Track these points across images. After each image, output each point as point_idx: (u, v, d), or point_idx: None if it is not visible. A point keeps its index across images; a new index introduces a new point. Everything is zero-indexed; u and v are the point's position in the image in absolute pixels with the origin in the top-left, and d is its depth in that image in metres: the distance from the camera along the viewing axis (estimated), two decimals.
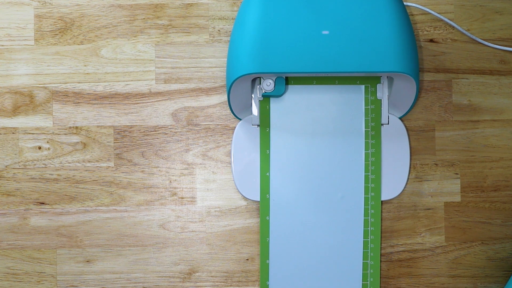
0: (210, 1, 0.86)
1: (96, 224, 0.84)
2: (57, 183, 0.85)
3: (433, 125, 0.86)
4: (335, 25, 0.73)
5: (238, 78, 0.74)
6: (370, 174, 0.82)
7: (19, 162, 0.85)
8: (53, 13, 0.86)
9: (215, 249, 0.85)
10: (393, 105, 0.83)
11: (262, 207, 0.82)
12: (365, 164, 0.82)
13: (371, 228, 0.82)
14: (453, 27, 0.86)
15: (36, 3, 0.86)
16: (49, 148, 0.85)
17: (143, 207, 0.85)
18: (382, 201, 0.84)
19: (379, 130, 0.83)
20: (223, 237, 0.85)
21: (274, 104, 0.83)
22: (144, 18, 0.86)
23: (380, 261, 0.84)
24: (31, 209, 0.85)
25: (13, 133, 0.85)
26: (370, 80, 0.82)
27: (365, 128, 0.83)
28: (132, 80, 0.85)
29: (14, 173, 0.85)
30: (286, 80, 0.82)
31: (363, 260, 0.82)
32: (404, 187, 0.83)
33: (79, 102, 0.85)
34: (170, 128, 0.85)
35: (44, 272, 0.84)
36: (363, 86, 0.83)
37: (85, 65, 0.85)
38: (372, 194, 0.82)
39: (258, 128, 0.83)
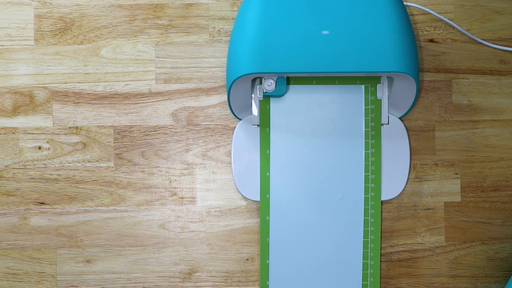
0: (210, 1, 0.86)
1: (96, 224, 0.84)
2: (57, 183, 0.85)
3: (433, 125, 0.86)
4: (335, 25, 0.73)
5: (238, 78, 0.74)
6: (370, 174, 0.82)
7: (19, 162, 0.85)
8: (53, 13, 0.86)
9: (215, 249, 0.85)
10: (393, 105, 0.83)
11: (262, 207, 0.82)
12: (365, 164, 0.82)
13: (371, 228, 0.82)
14: (453, 27, 0.86)
15: (36, 3, 0.86)
16: (49, 148, 0.85)
17: (143, 207, 0.85)
18: (382, 201, 0.84)
19: (379, 130, 0.83)
20: (223, 237, 0.85)
21: (274, 104, 0.83)
22: (144, 18, 0.86)
23: (380, 261, 0.84)
24: (31, 209, 0.85)
25: (13, 133, 0.85)
26: (370, 80, 0.82)
27: (365, 128, 0.83)
28: (132, 80, 0.85)
29: (14, 173, 0.85)
30: (286, 80, 0.82)
31: (363, 260, 0.82)
32: (404, 187, 0.83)
33: (79, 102, 0.85)
34: (170, 128, 0.85)
35: (44, 272, 0.85)
36: (363, 86, 0.83)
37: (85, 65, 0.85)
38: (372, 194, 0.82)
39: (258, 128, 0.83)
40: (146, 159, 0.85)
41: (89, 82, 0.85)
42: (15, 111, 0.85)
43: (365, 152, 0.83)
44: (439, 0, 0.86)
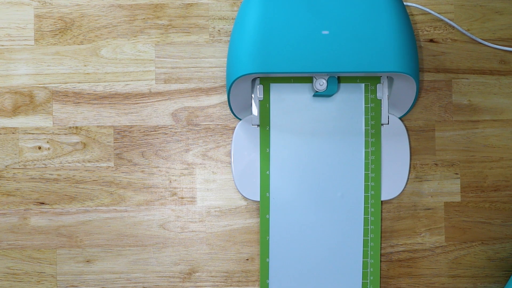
0: (210, 1, 0.86)
1: (96, 224, 0.84)
2: (57, 183, 0.85)
3: (433, 125, 0.86)
4: (335, 25, 0.73)
5: (238, 78, 0.74)
6: (370, 173, 0.82)
7: (19, 162, 0.85)
8: (53, 13, 0.86)
9: (215, 249, 0.85)
10: (393, 105, 0.83)
11: (262, 206, 0.82)
12: (365, 163, 0.82)
13: (371, 227, 0.82)
14: (453, 27, 0.86)
15: (36, 3, 0.86)
16: (49, 148, 0.85)
17: (143, 207, 0.85)
18: (382, 201, 0.84)
19: (379, 129, 0.83)
20: (223, 237, 0.85)
21: (274, 104, 0.83)
22: (144, 18, 0.86)
23: (380, 260, 0.84)
24: (31, 209, 0.85)
25: (13, 133, 0.85)
26: (370, 80, 0.82)
27: (365, 127, 0.83)
28: (132, 80, 0.85)
29: (14, 173, 0.85)
30: (285, 79, 0.82)
31: (363, 258, 0.82)
32: (404, 187, 0.83)
33: (79, 102, 0.85)
34: (170, 128, 0.85)
35: (44, 272, 0.84)
36: (363, 85, 0.83)
37: (85, 65, 0.85)
38: (372, 192, 0.82)
39: (258, 128, 0.83)
40: (146, 159, 0.85)
41: (89, 82, 0.85)
42: (15, 111, 0.85)
43: (365, 151, 0.83)
44: (439, 0, 0.86)
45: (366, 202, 0.82)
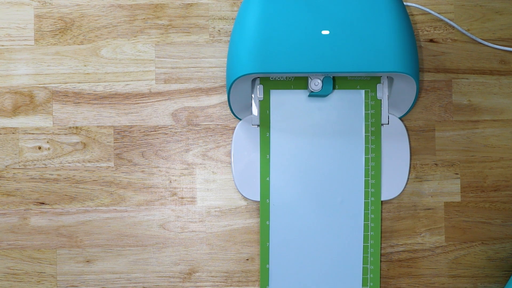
0: (210, 1, 0.86)
1: (96, 224, 0.84)
2: (57, 183, 0.85)
3: (433, 125, 0.86)
4: (335, 25, 0.73)
5: (238, 78, 0.74)
6: (370, 173, 0.82)
7: (19, 162, 0.85)
8: (53, 13, 0.86)
9: (215, 249, 0.85)
10: (393, 105, 0.83)
11: (262, 212, 0.82)
12: (365, 163, 0.82)
13: (371, 233, 0.82)
14: (453, 27, 0.86)
15: (36, 3, 0.86)
16: (49, 148, 0.85)
17: (143, 207, 0.85)
18: (382, 201, 0.84)
19: (379, 129, 0.83)
20: (223, 237, 0.85)
21: (274, 105, 0.83)
22: (144, 18, 0.86)
23: (380, 265, 0.84)
24: (31, 209, 0.85)
25: (13, 133, 0.85)
26: (369, 83, 0.82)
27: (365, 127, 0.83)
28: (132, 80, 0.85)
29: (14, 173, 0.85)
30: (284, 85, 0.82)
31: (363, 264, 0.82)
32: (404, 187, 0.83)
33: (79, 102, 0.85)
34: (170, 128, 0.85)
35: (44, 272, 0.85)
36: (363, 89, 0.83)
37: (85, 65, 0.85)
38: (372, 199, 0.82)
39: (258, 128, 0.83)
40: (146, 159, 0.85)
41: (89, 82, 0.85)
42: (15, 111, 0.85)
43: (365, 152, 0.83)
44: (439, 0, 0.86)
45: (366, 207, 0.82)
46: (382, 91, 0.82)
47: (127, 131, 0.85)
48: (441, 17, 0.85)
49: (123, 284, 0.85)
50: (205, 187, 0.85)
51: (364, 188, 0.82)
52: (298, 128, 0.83)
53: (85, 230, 0.85)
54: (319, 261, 0.82)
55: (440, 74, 0.86)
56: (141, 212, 0.85)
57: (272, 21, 0.73)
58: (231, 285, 0.85)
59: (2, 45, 0.85)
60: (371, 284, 0.82)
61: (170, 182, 0.85)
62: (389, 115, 0.83)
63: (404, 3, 0.84)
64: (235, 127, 0.84)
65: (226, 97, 0.85)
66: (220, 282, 0.85)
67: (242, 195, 0.83)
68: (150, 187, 0.85)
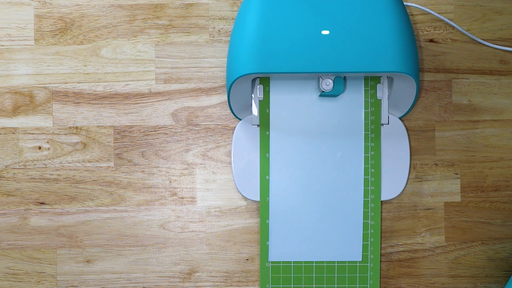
0: (210, 1, 0.86)
1: (96, 224, 0.84)
2: (57, 183, 0.85)
3: (433, 125, 0.86)
4: (335, 25, 0.73)
5: (238, 78, 0.74)
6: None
7: (19, 162, 0.85)
8: (53, 13, 0.86)
9: (215, 249, 0.85)
10: (393, 105, 0.83)
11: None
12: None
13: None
14: (453, 27, 0.86)
15: (36, 3, 0.86)
16: (49, 148, 0.85)
17: (143, 207, 0.85)
18: (382, 201, 0.84)
19: (379, 129, 0.83)
20: (223, 237, 0.85)
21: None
22: (144, 18, 0.86)
23: (380, 260, 0.84)
24: (31, 209, 0.85)
25: (13, 133, 0.85)
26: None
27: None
28: (132, 80, 0.85)
29: (14, 173, 0.85)
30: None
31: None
32: (404, 187, 0.83)
33: (79, 102, 0.85)
34: (170, 128, 0.85)
35: (44, 272, 0.85)
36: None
37: (85, 65, 0.85)
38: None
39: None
40: (146, 159, 0.85)
41: (89, 82, 0.85)
42: (15, 111, 0.85)
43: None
44: (439, 0, 0.86)
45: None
46: (382, 91, 0.82)
47: (127, 131, 0.85)
48: (441, 17, 0.85)
49: (123, 284, 0.85)
50: (205, 187, 0.85)
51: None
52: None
53: (85, 230, 0.85)
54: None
55: (440, 74, 0.86)
56: (141, 212, 0.85)
57: (272, 21, 0.73)
58: (231, 285, 0.85)
59: (2, 45, 0.85)
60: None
61: (170, 182, 0.85)
62: (389, 115, 0.83)
63: (404, 3, 0.84)
64: (235, 127, 0.84)
65: (226, 97, 0.85)
66: (220, 282, 0.85)
67: (242, 195, 0.83)
68: (150, 187, 0.85)
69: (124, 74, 0.85)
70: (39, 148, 0.85)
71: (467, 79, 0.86)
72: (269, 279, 0.82)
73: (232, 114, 0.83)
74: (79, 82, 0.85)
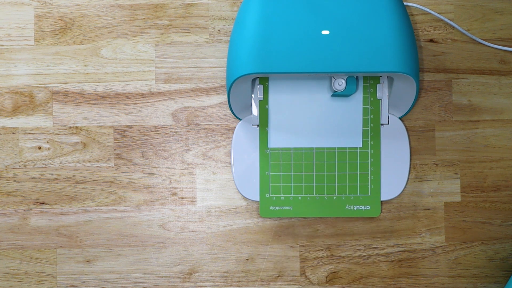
0: (210, 1, 0.86)
1: (96, 224, 0.84)
2: (57, 183, 0.85)
3: (433, 125, 0.86)
4: (335, 25, 0.73)
5: (238, 78, 0.74)
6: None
7: (19, 162, 0.85)
8: (53, 13, 0.86)
9: (215, 249, 0.85)
10: (393, 105, 0.83)
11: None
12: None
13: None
14: (453, 27, 0.86)
15: (36, 3, 0.86)
16: (49, 148, 0.85)
17: (143, 207, 0.85)
18: (382, 201, 0.84)
19: (379, 129, 0.83)
20: (223, 237, 0.85)
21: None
22: (144, 18, 0.86)
23: (381, 166, 0.84)
24: (31, 209, 0.85)
25: (13, 133, 0.85)
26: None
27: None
28: (132, 80, 0.85)
29: (14, 173, 0.85)
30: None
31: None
32: (404, 187, 0.83)
33: (79, 102, 0.85)
34: (170, 128, 0.85)
35: (44, 272, 0.85)
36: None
37: (85, 65, 0.85)
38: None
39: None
40: (146, 159, 0.85)
41: (89, 82, 0.85)
42: (15, 111, 0.85)
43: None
44: (439, 0, 0.86)
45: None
46: (382, 91, 0.82)
47: (127, 131, 0.85)
48: (441, 17, 0.85)
49: (123, 284, 0.85)
50: (205, 187, 0.85)
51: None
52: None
53: (85, 230, 0.85)
54: None
55: (440, 74, 0.86)
56: (141, 212, 0.85)
57: (272, 21, 0.73)
58: (231, 285, 0.85)
59: (2, 45, 0.85)
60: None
61: (170, 182, 0.85)
62: (389, 115, 0.83)
63: (404, 3, 0.84)
64: (235, 127, 0.84)
65: (226, 97, 0.85)
66: (220, 282, 0.85)
67: (242, 195, 0.83)
68: (150, 187, 0.85)
69: (124, 74, 0.85)
70: (39, 148, 0.85)
71: (467, 79, 0.86)
72: (268, 166, 0.82)
73: (232, 114, 0.83)
74: (79, 82, 0.85)
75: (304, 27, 0.72)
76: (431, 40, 0.86)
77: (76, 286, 0.85)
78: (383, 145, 0.83)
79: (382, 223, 0.85)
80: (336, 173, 0.81)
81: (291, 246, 0.84)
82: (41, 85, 0.85)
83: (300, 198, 0.81)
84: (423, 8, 0.85)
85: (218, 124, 0.85)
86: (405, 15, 0.74)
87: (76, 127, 0.85)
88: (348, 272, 0.84)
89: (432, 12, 0.85)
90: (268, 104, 0.82)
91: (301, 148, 0.81)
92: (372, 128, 0.83)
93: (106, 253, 0.85)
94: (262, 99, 0.82)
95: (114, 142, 0.85)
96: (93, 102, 0.85)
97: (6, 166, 0.85)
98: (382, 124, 0.83)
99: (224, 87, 0.85)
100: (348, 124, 0.83)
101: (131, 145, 0.85)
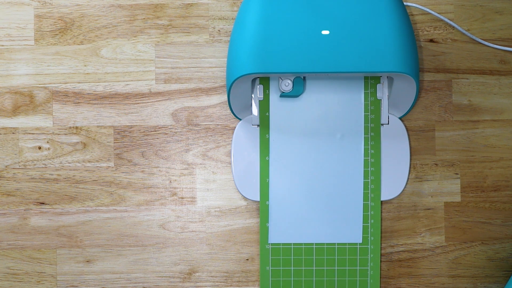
0: (210, 1, 0.86)
1: (96, 224, 0.84)
2: (57, 183, 0.85)
3: (433, 125, 0.86)
4: (335, 25, 0.73)
5: (238, 78, 0.74)
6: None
7: (19, 162, 0.85)
8: (53, 13, 0.86)
9: (215, 249, 0.85)
10: (393, 105, 0.83)
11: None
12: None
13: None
14: (453, 27, 0.86)
15: (36, 3, 0.86)
16: (49, 148, 0.85)
17: (143, 207, 0.85)
18: (382, 201, 0.84)
19: (379, 129, 0.83)
20: (223, 237, 0.85)
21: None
22: (144, 18, 0.86)
23: (381, 260, 0.84)
24: (31, 209, 0.85)
25: (13, 133, 0.85)
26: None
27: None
28: (132, 80, 0.85)
29: (14, 173, 0.85)
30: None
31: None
32: (404, 187, 0.83)
33: (79, 102, 0.85)
34: (170, 128, 0.85)
35: (44, 272, 0.85)
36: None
37: (85, 65, 0.85)
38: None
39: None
40: (146, 159, 0.85)
41: (89, 82, 0.85)
42: (15, 111, 0.85)
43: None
44: (439, 0, 0.86)
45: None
46: (382, 91, 0.82)
47: (127, 131, 0.85)
48: (441, 17, 0.85)
49: (123, 284, 0.85)
50: (205, 187, 0.85)
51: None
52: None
53: (85, 230, 0.85)
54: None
55: (440, 74, 0.86)
56: (141, 212, 0.85)
57: (272, 21, 0.73)
58: (231, 285, 0.85)
59: (2, 45, 0.85)
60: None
61: (170, 182, 0.85)
62: (389, 115, 0.83)
63: (404, 3, 0.84)
64: (235, 127, 0.84)
65: (226, 97, 0.85)
66: (220, 282, 0.85)
67: (242, 195, 0.83)
68: (150, 187, 0.85)
69: (124, 74, 0.85)
70: (39, 148, 0.85)
71: (467, 79, 0.86)
72: (269, 261, 0.82)
73: (232, 114, 0.83)
74: (79, 82, 0.85)
75: (304, 27, 0.73)
76: (431, 40, 0.86)
77: (76, 286, 0.85)
78: (383, 145, 0.83)
79: (382, 223, 0.85)
80: (336, 268, 0.82)
81: None
82: (41, 85, 0.85)
83: None
84: (423, 8, 0.85)
85: (218, 124, 0.85)
86: (405, 15, 0.74)
87: (76, 127, 0.85)
88: None
89: (432, 12, 0.85)
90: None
91: (301, 244, 0.81)
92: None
93: (106, 253, 0.85)
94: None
95: (114, 142, 0.85)
96: (93, 102, 0.85)
97: (6, 166, 0.85)
98: (382, 124, 0.83)
99: (224, 87, 0.85)
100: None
101: (131, 145, 0.85)
